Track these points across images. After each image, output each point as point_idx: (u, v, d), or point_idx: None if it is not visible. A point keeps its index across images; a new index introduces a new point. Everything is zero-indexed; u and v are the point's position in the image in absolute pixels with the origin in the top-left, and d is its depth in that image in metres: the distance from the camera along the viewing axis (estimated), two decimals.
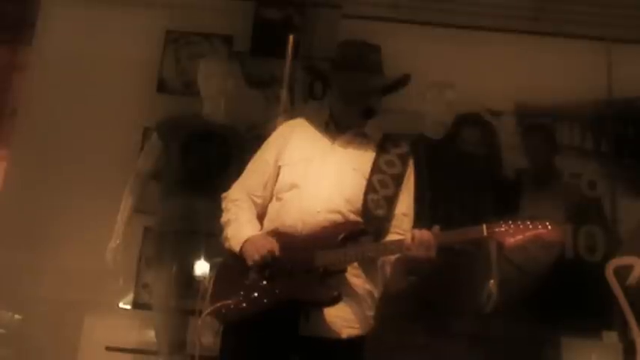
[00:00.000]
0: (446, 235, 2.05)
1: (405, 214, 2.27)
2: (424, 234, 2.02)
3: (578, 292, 3.42)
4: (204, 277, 3.12)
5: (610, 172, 3.94)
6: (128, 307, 3.77)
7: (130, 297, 3.77)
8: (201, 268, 3.24)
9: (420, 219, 2.31)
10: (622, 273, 2.93)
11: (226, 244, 2.25)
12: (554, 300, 3.37)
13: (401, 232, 2.21)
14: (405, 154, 2.35)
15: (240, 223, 2.24)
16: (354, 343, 2.14)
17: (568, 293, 3.40)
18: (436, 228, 2.04)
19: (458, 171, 3.37)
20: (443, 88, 3.49)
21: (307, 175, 2.24)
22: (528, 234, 1.97)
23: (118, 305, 3.77)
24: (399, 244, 2.07)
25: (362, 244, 2.13)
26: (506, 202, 3.45)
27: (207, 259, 3.20)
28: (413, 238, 2.02)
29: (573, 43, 4.01)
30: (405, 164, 2.32)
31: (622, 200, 3.87)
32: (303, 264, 2.09)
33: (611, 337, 3.42)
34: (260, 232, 2.21)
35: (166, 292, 3.29)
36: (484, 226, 2.00)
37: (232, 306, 2.09)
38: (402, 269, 2.12)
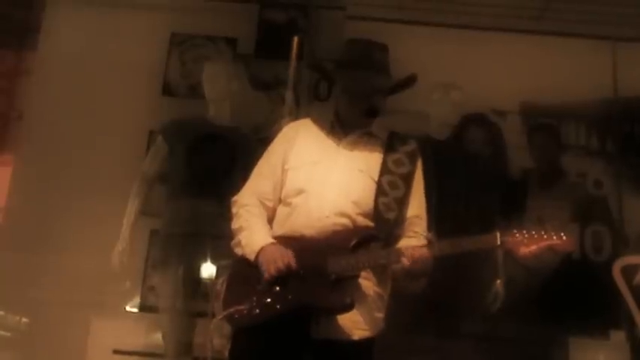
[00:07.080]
0: (459, 243, 2.05)
1: (418, 217, 2.27)
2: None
3: (585, 291, 3.42)
4: (211, 280, 3.13)
5: (616, 171, 3.93)
6: (135, 309, 3.77)
7: (137, 300, 3.77)
8: (208, 270, 3.24)
9: (427, 219, 2.30)
10: (629, 272, 2.93)
11: (238, 251, 2.23)
12: (562, 300, 3.36)
13: (415, 235, 2.21)
14: (413, 151, 2.33)
15: (253, 231, 2.22)
16: (364, 344, 2.14)
17: (575, 293, 3.39)
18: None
19: (464, 171, 3.36)
20: (448, 89, 3.48)
21: (314, 179, 2.22)
22: (542, 244, 1.96)
23: (124, 308, 3.77)
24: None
25: (373, 250, 2.12)
26: (512, 202, 3.44)
27: (214, 261, 3.20)
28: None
29: (578, 43, 4.01)
30: (413, 162, 2.30)
31: (628, 199, 3.87)
32: (316, 270, 2.08)
33: (618, 336, 3.42)
34: (274, 242, 2.17)
35: (173, 295, 3.28)
36: (497, 235, 2.00)
37: (245, 311, 2.08)
38: (406, 278, 2.12)
